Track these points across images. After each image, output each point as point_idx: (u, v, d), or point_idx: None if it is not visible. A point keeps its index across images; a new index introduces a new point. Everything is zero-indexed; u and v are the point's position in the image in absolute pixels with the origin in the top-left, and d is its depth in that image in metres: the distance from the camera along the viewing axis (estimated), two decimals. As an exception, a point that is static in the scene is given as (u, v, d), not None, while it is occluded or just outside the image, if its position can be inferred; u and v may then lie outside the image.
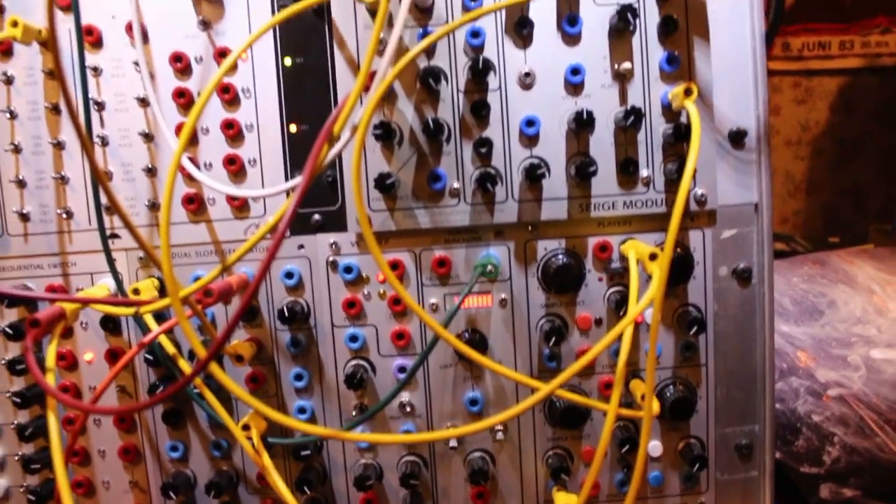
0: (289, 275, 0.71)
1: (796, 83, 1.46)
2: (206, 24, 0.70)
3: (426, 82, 0.66)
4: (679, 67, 0.69)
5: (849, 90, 1.45)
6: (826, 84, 1.46)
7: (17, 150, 0.72)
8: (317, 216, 0.71)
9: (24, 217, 0.72)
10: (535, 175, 0.66)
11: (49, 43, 0.69)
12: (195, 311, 0.60)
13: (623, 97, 0.69)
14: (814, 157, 1.48)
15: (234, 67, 0.70)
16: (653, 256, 0.63)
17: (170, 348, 0.66)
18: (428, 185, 0.69)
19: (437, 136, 0.67)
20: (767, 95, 0.71)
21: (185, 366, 0.67)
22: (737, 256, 0.72)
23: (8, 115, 0.71)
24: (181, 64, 0.70)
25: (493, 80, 0.69)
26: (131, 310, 0.61)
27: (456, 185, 0.69)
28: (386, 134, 0.66)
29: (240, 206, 0.71)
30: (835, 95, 1.46)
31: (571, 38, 0.69)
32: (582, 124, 0.66)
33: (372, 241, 0.56)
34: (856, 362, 0.86)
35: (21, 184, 0.72)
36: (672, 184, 0.70)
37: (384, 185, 0.67)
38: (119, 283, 0.70)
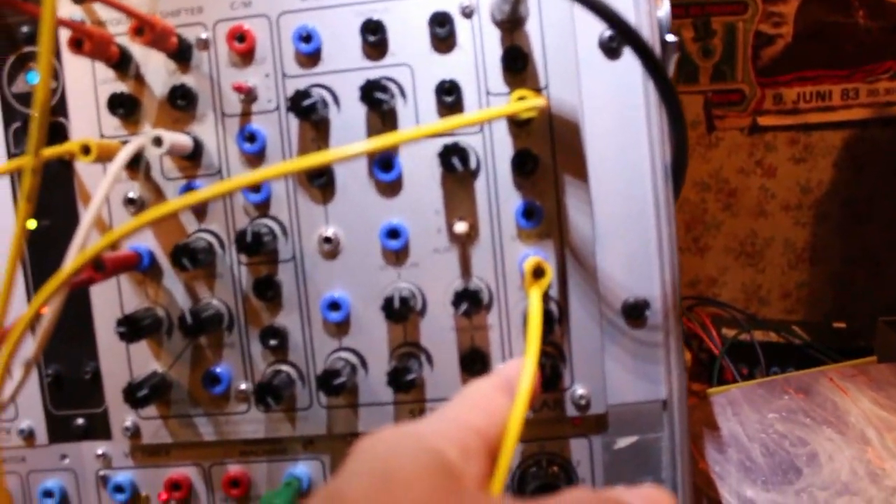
0: (48, 493, 0.51)
1: (793, 139, 1.16)
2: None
3: (179, 262, 0.44)
4: (543, 221, 0.45)
5: (856, 145, 1.14)
6: (829, 139, 1.15)
7: None
8: (80, 420, 0.51)
9: None
10: (330, 386, 0.44)
11: None
12: None
13: (465, 265, 0.46)
14: (818, 223, 1.18)
15: (-34, 233, 0.50)
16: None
17: None
18: (205, 388, 0.47)
19: (202, 334, 0.45)
20: (676, 250, 0.46)
21: None
22: (638, 471, 0.47)
23: None
24: None
25: (284, 248, 0.46)
26: None
27: (243, 386, 0.48)
28: (134, 331, 0.45)
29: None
30: (840, 151, 1.15)
31: (388, 188, 0.46)
32: (395, 315, 0.43)
33: None
34: (836, 556, 0.61)
35: None
36: (544, 381, 0.45)
37: (135, 398, 0.45)
38: None
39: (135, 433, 0.49)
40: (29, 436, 0.51)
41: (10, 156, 0.49)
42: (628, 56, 0.44)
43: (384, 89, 0.42)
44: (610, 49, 0.44)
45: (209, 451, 0.50)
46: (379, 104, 0.43)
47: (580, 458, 0.48)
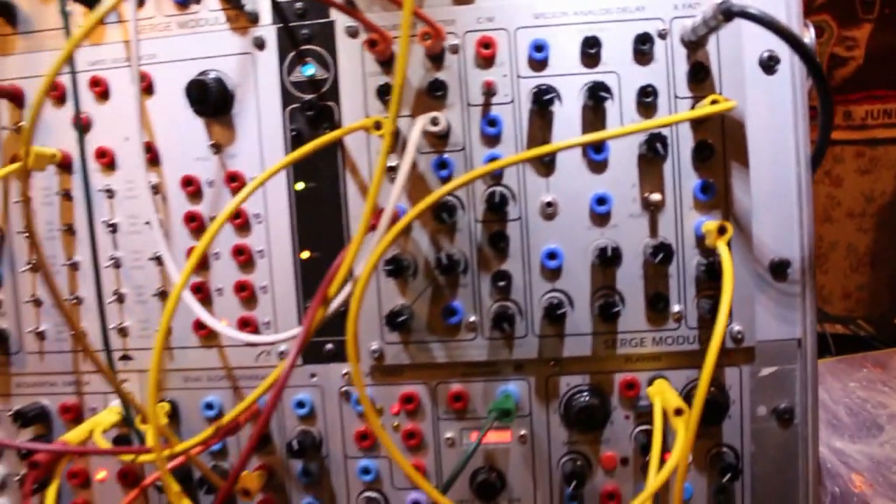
0: (300, 404, 0.69)
1: (859, 153, 1.37)
2: (217, 147, 0.68)
3: (439, 217, 0.63)
4: (715, 196, 0.64)
5: (917, 159, 1.36)
6: (892, 153, 1.36)
7: (34, 269, 0.71)
8: (329, 345, 0.69)
9: (40, 335, 0.72)
10: (554, 315, 0.62)
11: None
12: (196, 464, 0.58)
13: (653, 228, 0.65)
14: (879, 229, 1.39)
15: (245, 192, 0.68)
16: (678, 412, 0.59)
17: (174, 486, 0.65)
18: (443, 319, 0.66)
19: (451, 273, 0.64)
20: (813, 223, 0.66)
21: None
22: (777, 395, 0.66)
23: (26, 236, 0.71)
24: (192, 187, 0.68)
25: (513, 210, 0.65)
26: (129, 457, 0.60)
27: (473, 318, 0.66)
28: (397, 270, 0.63)
29: (251, 333, 0.69)
30: (903, 165, 1.36)
31: (597, 166, 0.65)
32: (606, 261, 0.62)
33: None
34: (917, 492, 0.79)
35: (37, 303, 0.71)
36: (707, 320, 0.64)
37: (395, 322, 0.64)
38: (128, 411, 0.68)
39: (379, 356, 0.67)
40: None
41: (286, 128, 0.67)
42: (781, 73, 0.64)
43: (608, 90, 0.62)
44: (767, 66, 0.64)
45: (437, 371, 0.68)
46: (602, 101, 0.62)
47: (731, 383, 0.66)
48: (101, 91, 0.69)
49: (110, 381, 0.58)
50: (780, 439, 0.66)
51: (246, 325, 0.69)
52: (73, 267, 0.71)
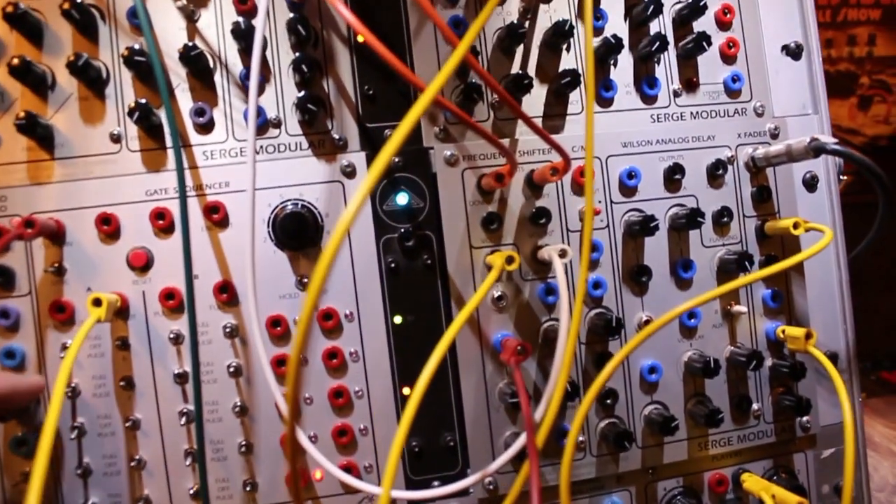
0: (410, 546, 0.69)
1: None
2: (304, 283, 0.67)
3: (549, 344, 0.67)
4: (781, 303, 0.75)
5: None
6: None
7: (80, 434, 0.65)
8: (436, 482, 0.70)
9: (89, 510, 0.65)
10: (669, 428, 0.69)
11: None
12: None
13: (732, 335, 0.74)
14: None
15: (339, 329, 0.68)
16: (799, 506, 0.68)
17: None
18: (555, 442, 0.70)
19: (569, 399, 0.69)
20: (853, 320, 0.79)
21: None
22: (836, 473, 0.78)
23: (69, 394, 0.65)
24: (280, 328, 0.67)
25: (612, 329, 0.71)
26: None
27: (581, 438, 0.71)
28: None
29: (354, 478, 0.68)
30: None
31: (684, 283, 0.73)
32: (709, 373, 0.70)
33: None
34: (904, 535, 0.96)
35: (86, 472, 0.65)
36: (779, 413, 0.75)
37: (523, 455, 0.67)
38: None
39: (494, 487, 0.70)
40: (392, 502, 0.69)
41: (381, 259, 0.68)
42: (820, 190, 0.76)
43: (702, 215, 0.70)
44: (810, 185, 0.76)
45: (545, 494, 0.71)
46: (698, 226, 0.70)
47: (800, 468, 0.77)
48: (165, 225, 0.65)
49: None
50: (840, 514, 0.78)
51: (347, 470, 0.68)
52: (134, 426, 0.66)
